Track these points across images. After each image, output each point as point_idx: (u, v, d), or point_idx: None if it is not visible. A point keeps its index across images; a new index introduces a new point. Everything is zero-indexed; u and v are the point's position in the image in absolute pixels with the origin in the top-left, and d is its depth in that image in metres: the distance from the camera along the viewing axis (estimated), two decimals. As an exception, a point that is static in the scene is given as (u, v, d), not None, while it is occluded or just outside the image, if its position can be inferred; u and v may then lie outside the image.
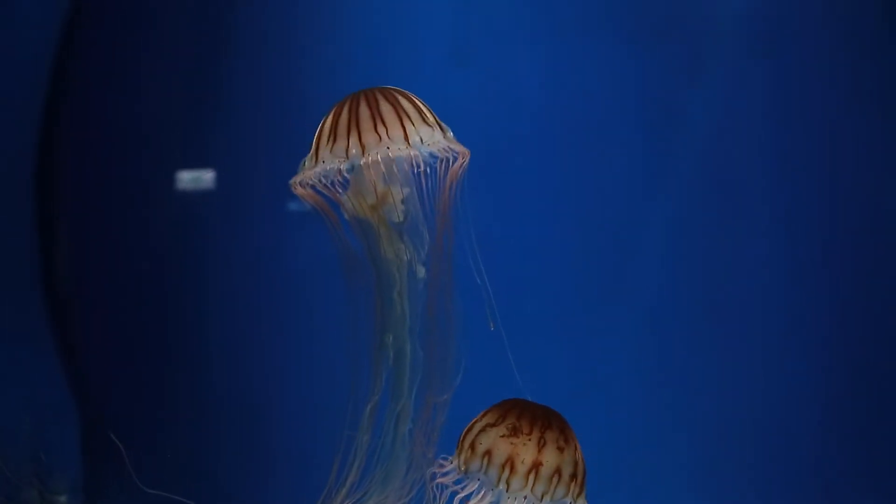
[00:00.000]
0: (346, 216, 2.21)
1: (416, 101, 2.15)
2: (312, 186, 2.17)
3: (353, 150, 2.08)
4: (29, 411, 2.94)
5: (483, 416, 1.95)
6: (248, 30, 3.14)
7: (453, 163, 2.17)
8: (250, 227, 3.15)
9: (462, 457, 1.92)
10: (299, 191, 2.20)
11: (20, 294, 3.19)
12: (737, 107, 3.07)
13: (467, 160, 2.18)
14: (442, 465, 1.96)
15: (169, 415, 3.20)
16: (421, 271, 2.24)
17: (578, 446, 1.91)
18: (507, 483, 1.86)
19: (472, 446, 1.91)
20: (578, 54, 3.07)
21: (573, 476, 1.89)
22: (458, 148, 2.17)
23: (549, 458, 1.87)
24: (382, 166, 2.10)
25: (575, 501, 1.90)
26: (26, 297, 3.19)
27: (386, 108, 2.10)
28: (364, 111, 2.10)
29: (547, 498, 1.87)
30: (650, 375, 3.11)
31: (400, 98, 2.12)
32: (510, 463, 1.86)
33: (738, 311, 3.10)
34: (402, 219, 2.20)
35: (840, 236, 3.06)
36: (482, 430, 1.91)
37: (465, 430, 1.95)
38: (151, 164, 3.13)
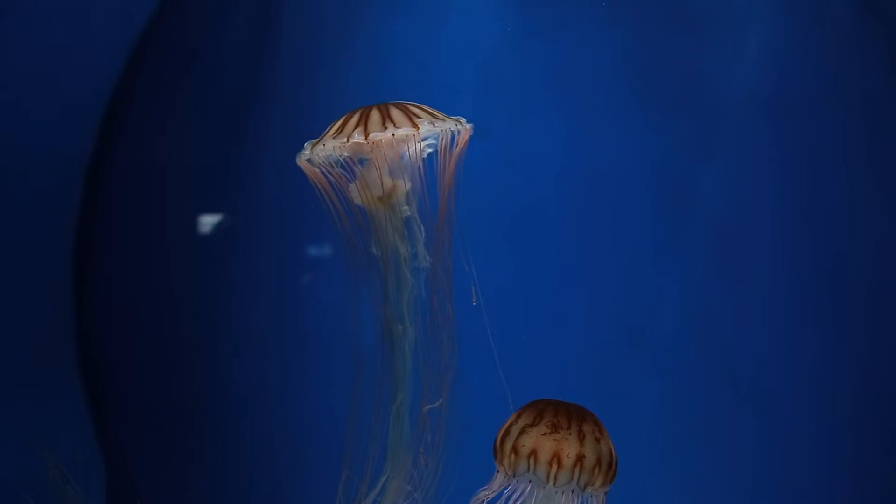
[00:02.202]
0: (351, 206, 2.22)
1: (429, 109, 2.17)
2: (320, 167, 2.16)
3: (357, 136, 2.06)
4: (56, 465, 3.00)
5: (517, 417, 1.97)
6: (274, 94, 3.25)
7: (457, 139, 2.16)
8: (270, 279, 3.23)
9: (506, 462, 1.93)
10: (307, 168, 2.19)
11: (53, 352, 3.27)
12: (749, 179, 3.12)
13: (468, 136, 2.16)
14: (487, 488, 1.97)
15: (189, 469, 3.25)
16: (422, 262, 2.21)
17: (609, 438, 1.96)
18: (555, 478, 1.90)
19: (516, 449, 1.92)
20: (595, 129, 3.15)
21: (610, 465, 1.94)
22: (464, 128, 2.16)
23: (590, 449, 1.91)
24: (387, 155, 2.09)
25: (608, 487, 1.95)
26: (58, 356, 3.27)
27: (396, 112, 2.13)
28: (375, 115, 2.12)
29: (591, 489, 1.91)
30: (661, 445, 3.14)
31: (411, 106, 2.16)
32: (556, 458, 1.90)
33: (751, 379, 3.12)
34: (407, 214, 2.20)
35: (852, 304, 3.09)
36: (522, 431, 1.94)
37: (501, 434, 1.96)
38: (182, 227, 3.24)
